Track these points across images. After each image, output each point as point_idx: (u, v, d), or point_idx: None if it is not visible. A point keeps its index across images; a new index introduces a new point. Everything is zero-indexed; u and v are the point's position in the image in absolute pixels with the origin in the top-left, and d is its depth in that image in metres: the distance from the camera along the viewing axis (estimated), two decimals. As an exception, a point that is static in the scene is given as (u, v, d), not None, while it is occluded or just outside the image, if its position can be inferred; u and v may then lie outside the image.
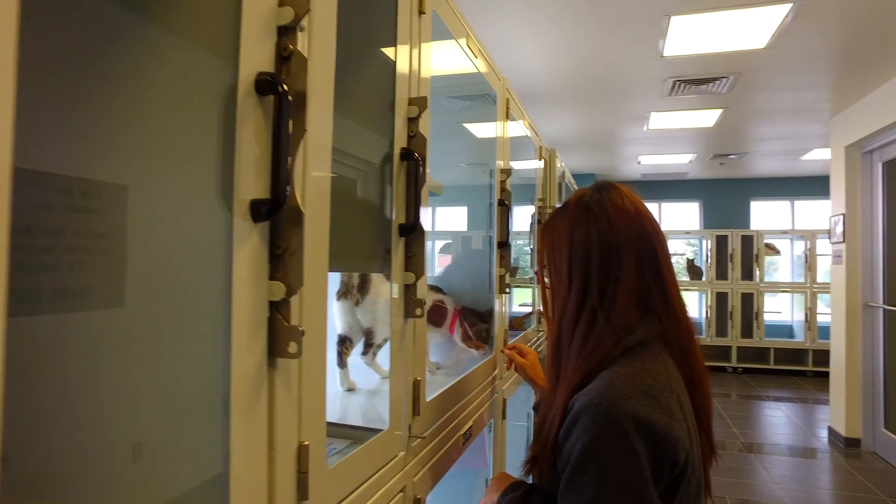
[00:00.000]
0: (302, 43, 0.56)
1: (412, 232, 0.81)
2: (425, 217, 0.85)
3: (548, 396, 0.87)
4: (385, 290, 1.13)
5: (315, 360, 0.61)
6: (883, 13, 2.53)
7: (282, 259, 0.52)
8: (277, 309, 0.52)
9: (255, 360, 0.50)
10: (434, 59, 1.40)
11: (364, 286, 1.12)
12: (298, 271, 0.52)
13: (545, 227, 0.91)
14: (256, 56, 0.50)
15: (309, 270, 0.59)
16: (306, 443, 0.58)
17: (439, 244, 2.90)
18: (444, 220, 2.69)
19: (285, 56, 0.53)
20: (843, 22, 2.61)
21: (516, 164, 2.20)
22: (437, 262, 2.90)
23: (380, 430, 0.81)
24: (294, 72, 0.52)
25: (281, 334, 0.52)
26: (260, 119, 0.50)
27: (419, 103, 0.84)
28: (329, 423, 0.91)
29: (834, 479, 3.53)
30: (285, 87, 0.49)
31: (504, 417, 1.49)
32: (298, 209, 0.52)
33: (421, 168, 0.83)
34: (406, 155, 0.81)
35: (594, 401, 0.72)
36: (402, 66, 0.83)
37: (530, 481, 0.90)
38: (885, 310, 3.81)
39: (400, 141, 0.82)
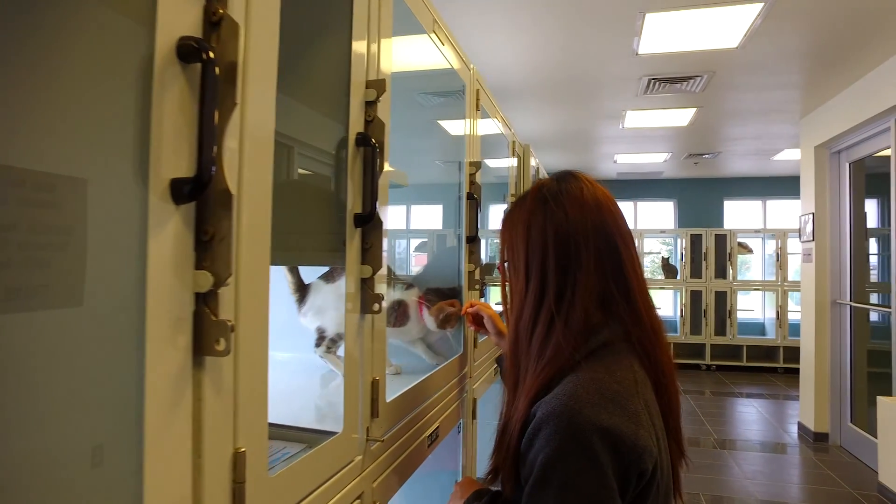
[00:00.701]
0: (237, 9, 0.51)
1: (368, 222, 0.76)
2: (383, 207, 0.80)
3: (507, 405, 0.83)
4: (329, 291, 1.12)
5: (255, 358, 0.56)
6: (851, 16, 2.56)
7: (209, 246, 0.47)
8: (205, 302, 0.47)
9: (177, 359, 0.45)
10: (405, 53, 1.36)
11: (302, 298, 1.10)
12: (227, 259, 0.47)
13: (504, 219, 0.86)
14: (180, 19, 0.45)
15: (247, 260, 0.54)
16: (242, 449, 0.53)
17: (415, 242, 2.86)
18: (420, 218, 2.65)
19: (215, 21, 0.48)
20: (811, 24, 2.65)
21: (491, 163, 2.17)
22: (414, 260, 2.86)
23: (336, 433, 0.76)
24: (224, 39, 0.47)
25: (208, 330, 0.47)
26: (184, 89, 0.45)
27: (377, 86, 0.79)
28: (283, 427, 0.86)
29: (803, 473, 3.59)
30: (211, 54, 0.44)
31: (474, 418, 1.45)
32: (227, 191, 0.47)
33: (378, 155, 0.78)
34: (362, 140, 0.77)
35: (556, 410, 0.68)
36: (358, 46, 0.78)
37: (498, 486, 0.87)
38: (851, 307, 3.90)
39: (356, 126, 0.77)
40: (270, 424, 0.86)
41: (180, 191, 0.44)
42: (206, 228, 0.47)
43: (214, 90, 0.44)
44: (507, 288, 0.87)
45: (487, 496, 0.85)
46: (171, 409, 0.44)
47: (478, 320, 1.21)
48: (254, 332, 0.56)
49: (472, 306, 1.21)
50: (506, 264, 0.87)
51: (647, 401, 0.73)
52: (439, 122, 1.79)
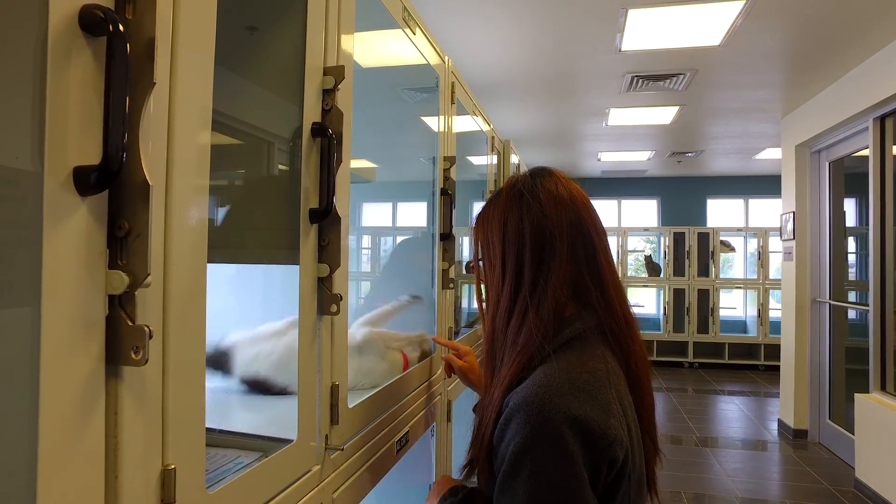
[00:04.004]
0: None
1: (325, 217, 0.71)
2: (342, 201, 0.75)
3: (484, 397, 0.82)
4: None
5: (187, 367, 0.51)
6: (830, 16, 2.56)
7: (125, 242, 0.42)
8: (121, 305, 0.42)
9: (85, 369, 0.40)
10: (382, 46, 1.31)
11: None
12: (144, 257, 0.42)
13: (479, 217, 0.87)
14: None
15: (178, 258, 0.49)
16: (172, 466, 0.48)
17: (400, 239, 2.84)
18: (407, 215, 2.61)
19: (131, -10, 0.43)
20: (792, 23, 2.64)
21: (474, 160, 2.13)
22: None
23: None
24: (141, 10, 0.42)
25: (124, 336, 0.42)
26: (90, 66, 0.40)
27: (336, 73, 0.74)
28: (239, 434, 0.81)
29: (783, 469, 3.61)
30: (120, 27, 0.39)
31: (449, 420, 1.41)
32: (146, 181, 0.42)
33: (336, 146, 0.73)
34: (318, 131, 0.72)
35: (527, 399, 0.68)
36: (315, 28, 0.73)
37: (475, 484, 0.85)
38: (830, 305, 3.93)
39: (312, 115, 0.72)
40: (224, 432, 0.81)
41: (86, 180, 0.39)
42: (121, 223, 0.42)
43: (123, 67, 0.39)
44: (483, 286, 0.88)
45: (463, 492, 0.84)
46: (76, 423, 0.40)
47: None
48: (186, 337, 0.51)
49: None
50: (480, 262, 0.87)
51: (620, 392, 0.73)
52: (423, 118, 1.75)
